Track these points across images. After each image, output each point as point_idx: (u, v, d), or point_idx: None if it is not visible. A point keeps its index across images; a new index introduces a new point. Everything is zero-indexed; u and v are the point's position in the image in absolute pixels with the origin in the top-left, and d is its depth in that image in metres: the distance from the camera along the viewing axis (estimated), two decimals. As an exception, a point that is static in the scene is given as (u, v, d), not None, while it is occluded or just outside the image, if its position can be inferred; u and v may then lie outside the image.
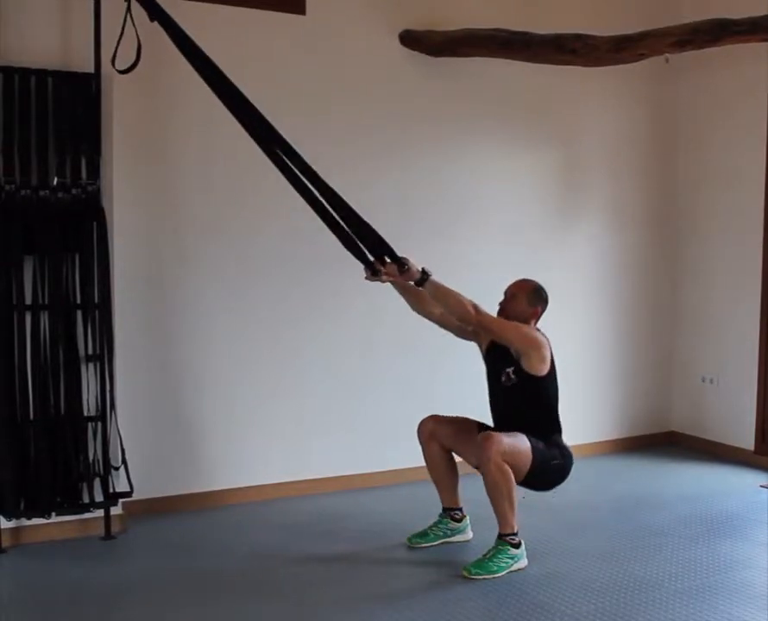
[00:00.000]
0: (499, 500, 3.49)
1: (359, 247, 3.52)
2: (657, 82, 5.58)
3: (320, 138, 4.43)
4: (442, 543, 3.84)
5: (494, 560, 3.50)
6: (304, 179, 3.44)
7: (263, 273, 4.46)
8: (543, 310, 3.75)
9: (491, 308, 5.16)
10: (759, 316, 5.26)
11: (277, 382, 4.53)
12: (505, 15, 4.73)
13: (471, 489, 3.85)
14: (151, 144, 4.17)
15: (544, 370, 3.61)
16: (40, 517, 3.71)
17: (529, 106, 5.16)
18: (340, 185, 4.58)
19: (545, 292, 3.77)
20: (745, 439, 5.33)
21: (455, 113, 4.93)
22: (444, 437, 3.80)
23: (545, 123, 5.24)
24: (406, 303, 3.79)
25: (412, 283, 3.55)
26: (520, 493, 3.55)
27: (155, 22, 3.40)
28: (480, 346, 3.84)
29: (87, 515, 3.81)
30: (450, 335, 4.93)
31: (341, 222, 3.48)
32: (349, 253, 3.54)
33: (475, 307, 3.53)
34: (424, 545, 3.82)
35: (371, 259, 3.54)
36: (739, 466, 5.23)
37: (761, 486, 4.83)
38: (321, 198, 3.45)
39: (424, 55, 4.76)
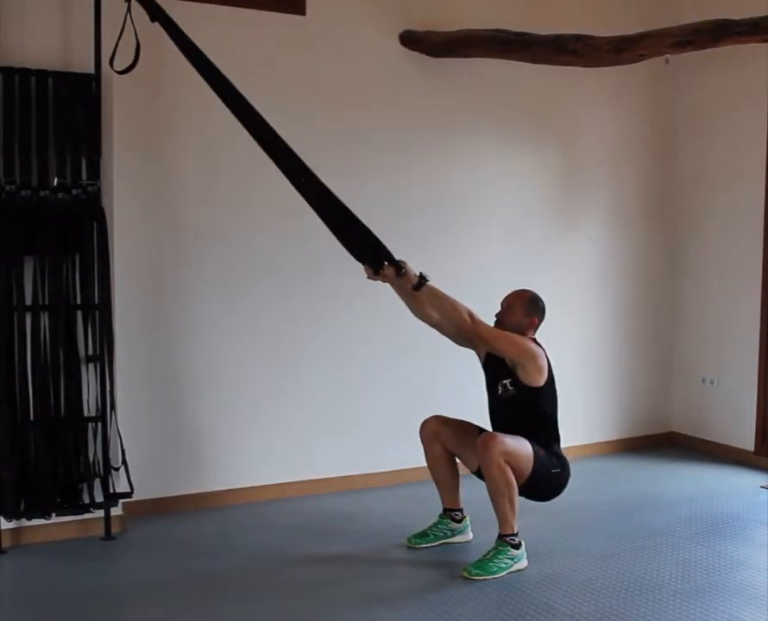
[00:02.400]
0: (500, 500, 3.49)
1: (360, 247, 3.51)
2: (657, 82, 5.58)
3: (320, 138, 4.43)
4: (442, 544, 3.84)
5: (495, 560, 3.50)
6: (304, 180, 3.45)
7: (263, 274, 4.46)
8: (540, 321, 3.73)
9: (491, 310, 5.19)
10: (760, 316, 5.26)
11: (277, 382, 4.53)
12: (505, 15, 4.73)
13: (472, 490, 3.85)
14: (151, 144, 4.17)
15: (541, 381, 3.59)
16: (40, 517, 3.70)
17: (529, 106, 5.16)
18: (340, 184, 4.61)
19: (542, 302, 3.75)
20: (746, 440, 5.33)
21: (455, 113, 4.92)
22: (447, 439, 3.79)
23: (545, 124, 5.24)
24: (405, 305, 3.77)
25: (410, 287, 3.53)
26: None
27: (156, 23, 3.40)
28: (478, 354, 3.82)
29: (87, 515, 3.80)
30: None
31: (342, 223, 3.48)
32: (348, 253, 3.53)
33: (471, 315, 3.55)
34: (423, 546, 3.82)
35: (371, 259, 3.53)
36: (739, 466, 5.22)
37: (761, 487, 4.83)
38: (322, 200, 3.46)
39: (425, 55, 4.76)
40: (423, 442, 3.83)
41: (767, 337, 5.24)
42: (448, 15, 4.73)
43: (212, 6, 4.20)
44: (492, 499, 3.52)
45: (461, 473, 3.88)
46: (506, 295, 3.78)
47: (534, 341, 3.69)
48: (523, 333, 3.66)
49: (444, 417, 3.83)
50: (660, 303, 5.79)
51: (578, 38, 4.14)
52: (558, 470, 3.63)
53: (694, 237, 5.70)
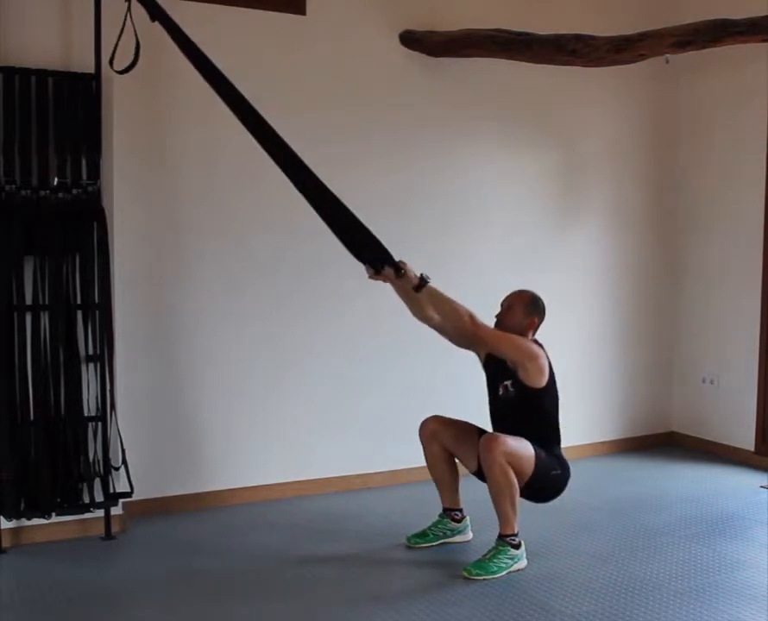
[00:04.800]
0: (502, 500, 3.49)
1: (360, 247, 3.49)
2: (657, 82, 5.58)
3: (320, 138, 4.43)
4: (441, 544, 3.84)
5: (495, 560, 3.50)
6: (305, 180, 3.43)
7: (263, 273, 4.46)
8: (540, 321, 3.73)
9: (491, 311, 5.19)
10: (760, 316, 5.26)
11: (277, 382, 4.53)
12: (505, 15, 4.74)
13: (472, 490, 3.85)
14: (151, 144, 4.17)
15: (542, 382, 3.58)
16: (40, 517, 3.70)
17: (529, 106, 5.16)
18: (340, 185, 4.62)
19: (542, 303, 3.74)
20: (746, 439, 5.33)
21: (455, 113, 4.92)
22: (446, 439, 3.79)
23: (546, 123, 5.24)
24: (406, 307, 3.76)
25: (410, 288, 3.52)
26: None
27: (156, 23, 3.40)
28: (478, 355, 3.82)
29: (87, 515, 3.81)
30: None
31: (342, 224, 3.46)
32: (350, 253, 3.52)
33: (472, 317, 3.52)
34: (423, 545, 3.82)
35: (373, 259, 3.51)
36: (739, 466, 5.23)
37: (761, 487, 4.83)
38: (322, 200, 3.44)
39: (425, 55, 4.76)
40: (422, 442, 3.83)
41: (767, 337, 5.24)
42: (448, 15, 4.73)
43: (212, 6, 4.20)
44: (493, 499, 3.51)
45: (461, 473, 3.89)
46: (506, 295, 3.78)
47: (535, 342, 3.69)
48: (523, 333, 3.66)
49: (443, 418, 3.83)
50: (660, 302, 5.79)
51: (578, 38, 4.14)
52: (558, 472, 3.63)
53: (694, 237, 5.70)
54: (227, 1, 4.26)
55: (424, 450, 3.84)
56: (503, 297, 3.78)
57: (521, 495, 3.56)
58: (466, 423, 3.83)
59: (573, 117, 5.36)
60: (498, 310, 3.77)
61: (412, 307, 3.71)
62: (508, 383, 3.62)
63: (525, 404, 3.62)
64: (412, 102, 4.77)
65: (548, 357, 3.63)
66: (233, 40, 4.23)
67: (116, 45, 3.53)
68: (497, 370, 3.67)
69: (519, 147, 5.15)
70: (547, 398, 3.64)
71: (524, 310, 3.69)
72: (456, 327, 3.60)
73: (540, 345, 3.67)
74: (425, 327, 4.87)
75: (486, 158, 5.03)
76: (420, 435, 3.83)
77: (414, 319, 4.85)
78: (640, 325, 5.71)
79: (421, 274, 3.50)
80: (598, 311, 5.54)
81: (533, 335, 3.73)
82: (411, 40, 4.72)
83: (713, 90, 5.50)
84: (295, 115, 4.28)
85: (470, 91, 4.96)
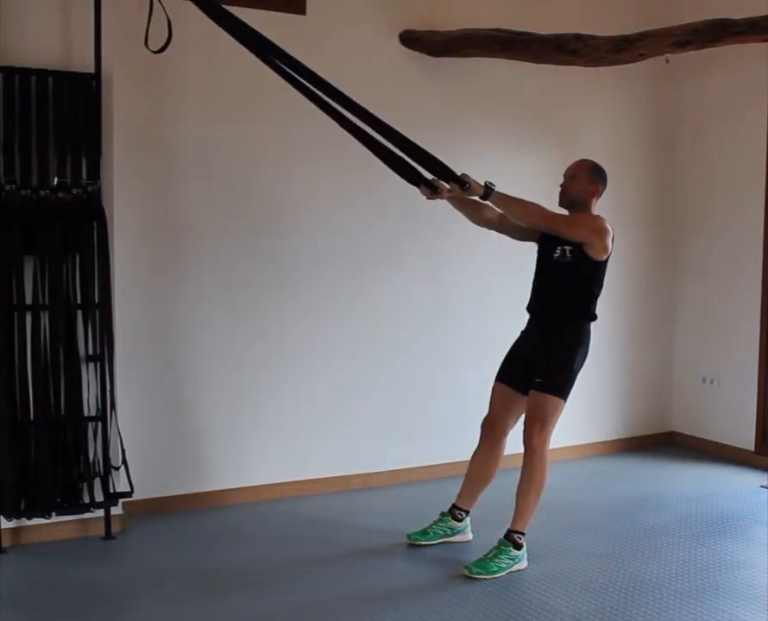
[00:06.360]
0: (527, 494, 3.53)
1: (412, 168, 3.58)
2: (657, 82, 5.58)
3: (320, 138, 4.43)
4: (442, 543, 3.84)
5: (495, 560, 3.51)
6: (348, 114, 3.51)
7: (263, 273, 4.46)
8: (603, 189, 3.76)
9: (491, 310, 5.19)
10: (760, 316, 5.26)
11: (277, 382, 4.53)
12: (505, 15, 4.73)
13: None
14: (151, 145, 4.17)
15: (603, 257, 3.64)
16: (40, 517, 3.70)
17: (529, 106, 5.16)
18: (340, 184, 4.64)
19: (605, 171, 3.78)
20: (746, 439, 5.33)
21: (455, 113, 4.92)
22: (508, 420, 3.77)
23: (546, 123, 5.24)
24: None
25: (476, 197, 3.58)
26: None
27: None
28: (536, 239, 3.83)
29: (87, 515, 3.80)
30: (450, 334, 4.96)
31: (393, 148, 3.55)
32: (402, 178, 3.60)
33: (541, 211, 3.59)
34: (424, 543, 3.82)
35: (429, 178, 3.58)
36: (739, 466, 5.23)
37: (761, 487, 4.84)
38: (369, 129, 3.53)
39: (425, 55, 4.76)
40: (482, 433, 3.80)
41: (767, 337, 5.24)
42: (448, 14, 4.73)
43: (212, 6, 4.20)
44: (519, 489, 3.55)
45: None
46: (568, 165, 3.80)
47: (601, 217, 3.69)
48: (587, 201, 3.70)
49: (497, 406, 3.80)
50: (660, 302, 5.79)
51: (578, 38, 4.14)
52: (575, 367, 3.63)
53: (694, 237, 5.70)
54: (227, 1, 4.25)
55: (479, 442, 3.81)
56: (566, 168, 3.80)
57: None
58: (499, 393, 3.78)
59: (573, 117, 5.36)
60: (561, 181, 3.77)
61: (471, 215, 3.81)
62: (568, 248, 3.62)
63: (578, 272, 3.64)
64: (411, 101, 4.76)
65: (613, 235, 3.65)
66: (233, 39, 4.22)
67: (148, 25, 3.55)
68: (555, 237, 3.66)
69: (519, 147, 5.15)
70: (600, 272, 3.69)
71: (588, 178, 3.72)
72: (529, 224, 3.67)
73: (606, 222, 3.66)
74: (424, 326, 4.90)
75: (486, 158, 5.01)
76: (482, 425, 3.80)
77: (413, 318, 4.89)
78: (640, 325, 5.71)
79: (485, 182, 3.56)
80: (598, 311, 5.53)
81: (596, 202, 3.74)
82: (411, 40, 4.72)
83: (713, 90, 5.51)
84: (295, 115, 4.28)
85: (470, 91, 4.96)
